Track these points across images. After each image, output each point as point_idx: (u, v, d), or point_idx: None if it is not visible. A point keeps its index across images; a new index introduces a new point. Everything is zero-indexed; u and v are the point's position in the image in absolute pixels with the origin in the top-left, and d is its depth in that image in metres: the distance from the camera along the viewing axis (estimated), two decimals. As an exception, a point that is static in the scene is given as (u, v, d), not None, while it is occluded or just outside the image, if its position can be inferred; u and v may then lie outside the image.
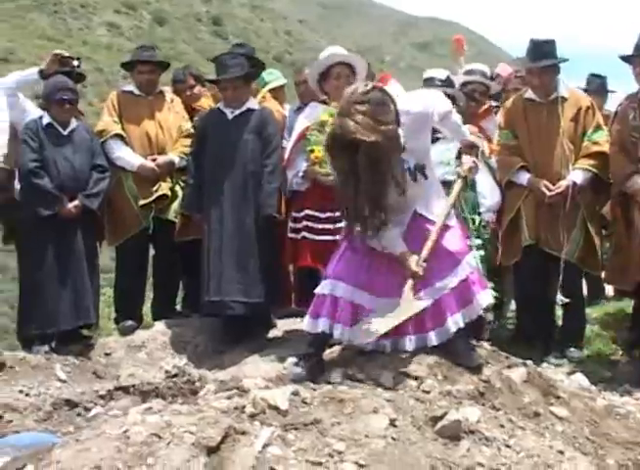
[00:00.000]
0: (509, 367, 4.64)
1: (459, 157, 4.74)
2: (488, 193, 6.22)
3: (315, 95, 6.43)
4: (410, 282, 4.37)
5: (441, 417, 3.81)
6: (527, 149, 6.20)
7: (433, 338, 4.46)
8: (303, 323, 4.66)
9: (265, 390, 3.87)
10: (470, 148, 4.74)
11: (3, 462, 3.62)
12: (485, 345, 5.07)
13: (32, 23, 57.66)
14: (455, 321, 4.46)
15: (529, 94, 6.27)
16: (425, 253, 4.37)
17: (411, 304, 4.36)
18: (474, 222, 5.89)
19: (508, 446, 3.87)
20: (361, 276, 4.45)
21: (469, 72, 6.93)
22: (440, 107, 4.54)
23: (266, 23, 73.57)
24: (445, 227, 4.50)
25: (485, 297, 4.57)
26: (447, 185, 4.92)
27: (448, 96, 6.15)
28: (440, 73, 6.27)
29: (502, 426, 4.01)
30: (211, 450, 3.29)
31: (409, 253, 4.38)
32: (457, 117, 4.75)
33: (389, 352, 4.47)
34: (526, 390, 4.43)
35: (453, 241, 4.50)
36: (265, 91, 7.08)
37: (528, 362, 4.86)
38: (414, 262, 4.34)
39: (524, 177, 6.16)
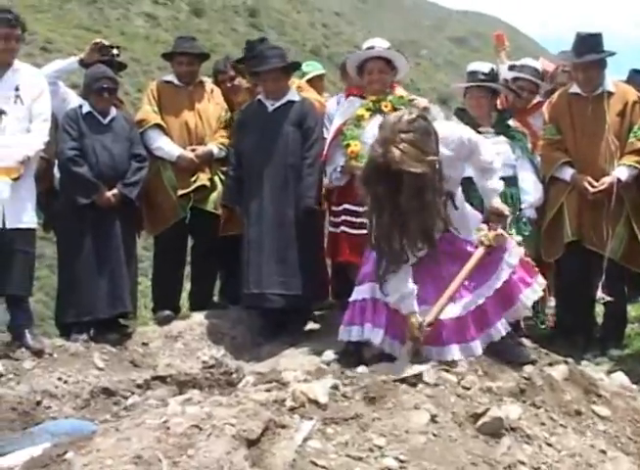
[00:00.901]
0: (550, 364, 4.59)
1: (486, 222, 4.61)
2: (531, 189, 6.15)
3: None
4: (409, 344, 4.31)
5: (483, 414, 3.78)
6: (572, 144, 6.13)
7: (478, 346, 4.40)
8: (339, 333, 4.64)
9: (305, 383, 3.85)
10: (498, 216, 4.60)
11: (43, 449, 3.63)
12: (526, 341, 5.03)
13: (71, 13, 57.98)
14: (500, 327, 4.44)
15: (575, 88, 6.18)
16: (431, 317, 4.29)
17: (407, 366, 4.21)
18: (516, 219, 5.83)
19: (549, 445, 3.83)
20: (428, 295, 4.40)
21: (520, 68, 6.85)
22: (479, 154, 4.48)
23: (302, 15, 73.42)
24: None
25: (531, 295, 4.52)
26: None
27: (491, 90, 6.16)
28: (484, 67, 6.19)
29: (543, 424, 3.98)
30: (252, 443, 3.27)
31: (415, 315, 4.30)
32: (494, 183, 4.66)
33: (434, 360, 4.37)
34: (568, 388, 4.37)
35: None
36: (301, 81, 7.04)
37: (570, 360, 4.80)
38: (417, 327, 4.26)
39: (567, 173, 6.09)
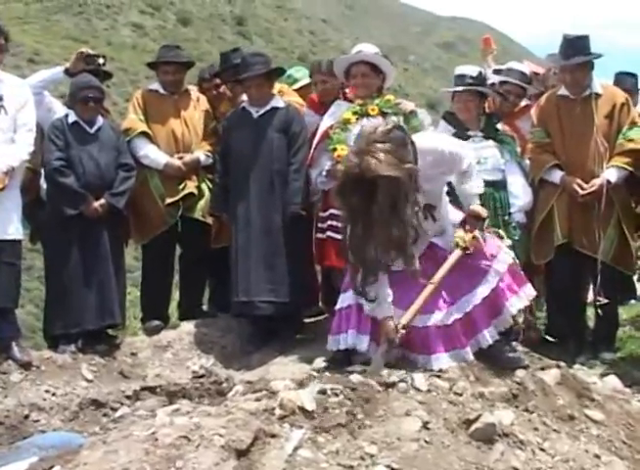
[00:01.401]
0: (542, 369, 4.58)
1: (462, 225, 4.57)
2: (520, 193, 6.14)
3: (337, 94, 6.45)
4: (384, 347, 4.27)
5: (475, 420, 3.75)
6: (561, 147, 6.12)
7: (469, 352, 4.40)
8: (328, 343, 4.61)
9: (292, 391, 3.80)
10: (475, 218, 4.55)
11: (30, 463, 3.58)
12: (517, 346, 5.00)
13: (58, 24, 58.01)
14: (487, 335, 4.42)
15: (562, 91, 6.18)
16: (406, 318, 4.27)
17: (380, 368, 4.22)
18: (504, 223, 5.81)
19: (542, 450, 3.81)
20: (403, 300, 4.37)
21: (507, 72, 6.84)
22: (460, 165, 4.45)
23: (290, 22, 73.58)
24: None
25: (517, 302, 4.50)
26: None
27: (480, 94, 6.14)
28: (472, 70, 6.17)
29: (536, 429, 3.95)
30: (241, 453, 3.24)
31: (390, 318, 4.28)
32: (473, 187, 4.61)
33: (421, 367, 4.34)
34: (560, 392, 4.36)
35: (477, 254, 4.43)
36: (282, 85, 7.01)
37: (562, 364, 4.77)
38: (392, 329, 4.24)
39: (556, 175, 6.07)
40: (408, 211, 3.99)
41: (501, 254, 4.52)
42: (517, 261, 4.64)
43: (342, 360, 4.52)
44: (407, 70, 70.78)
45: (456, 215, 4.61)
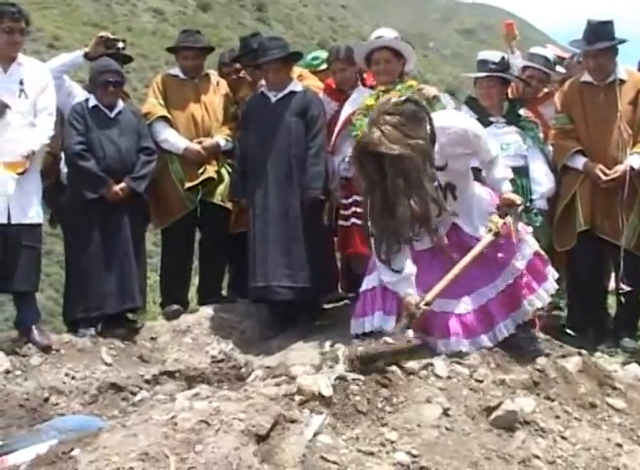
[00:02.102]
0: (563, 356, 4.53)
1: (498, 211, 4.52)
2: (542, 179, 6.08)
3: (354, 81, 6.46)
4: (404, 322, 4.20)
5: (496, 407, 3.71)
6: (584, 133, 6.05)
7: (485, 340, 4.36)
8: (351, 327, 4.56)
9: (310, 376, 3.77)
10: (509, 205, 4.48)
11: (49, 445, 3.58)
12: (539, 333, 4.96)
13: (77, 10, 58.10)
14: (504, 328, 4.39)
15: (586, 77, 6.11)
16: (431, 295, 4.21)
17: (402, 343, 4.13)
18: (526, 210, 5.75)
19: (564, 438, 3.76)
20: (423, 285, 4.30)
21: (530, 56, 6.77)
22: (483, 149, 4.40)
23: (309, 8, 73.41)
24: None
25: (535, 301, 4.44)
26: None
27: (502, 79, 6.08)
28: (494, 56, 6.11)
29: (558, 417, 3.91)
30: (261, 438, 3.21)
31: (411, 294, 4.22)
32: (501, 172, 4.56)
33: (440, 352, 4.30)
34: (582, 380, 4.31)
35: (498, 246, 4.37)
36: (302, 70, 6.98)
37: (583, 352, 4.73)
38: (413, 304, 4.18)
39: (579, 161, 6.01)
40: (426, 185, 3.93)
41: (524, 247, 4.46)
42: (541, 253, 4.57)
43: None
44: (427, 56, 70.49)
45: (488, 201, 4.56)
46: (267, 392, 3.66)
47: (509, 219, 4.40)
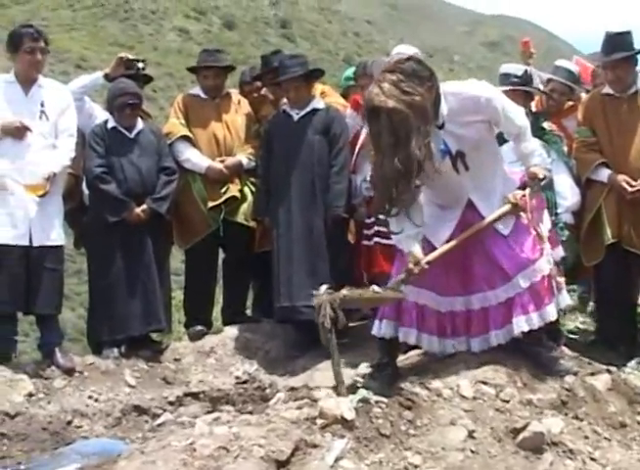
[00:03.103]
0: (592, 374, 4.44)
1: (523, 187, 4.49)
2: (567, 193, 5.99)
3: None
4: (401, 276, 4.30)
5: (523, 429, 3.64)
6: (607, 145, 5.96)
7: (475, 343, 4.45)
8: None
9: (332, 399, 3.71)
10: (532, 179, 4.48)
11: (70, 471, 3.55)
12: (566, 350, 4.87)
13: (104, 30, 58.74)
14: (495, 336, 4.39)
15: (607, 89, 6.03)
16: (432, 256, 4.29)
17: (391, 292, 4.31)
18: (552, 224, 5.66)
19: (593, 460, 3.68)
20: (425, 276, 4.34)
21: (554, 69, 6.70)
22: (499, 116, 4.34)
23: (334, 24, 73.67)
24: (501, 237, 4.35)
25: (523, 324, 4.34)
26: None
27: (525, 93, 6.00)
28: (517, 69, 6.04)
29: (587, 437, 3.83)
30: (281, 464, 3.17)
31: (413, 252, 4.30)
32: (529, 146, 4.54)
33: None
34: (611, 398, 4.23)
35: (507, 254, 4.35)
36: (324, 86, 6.94)
37: (613, 369, 4.63)
38: (414, 261, 4.26)
39: (603, 174, 5.92)
40: (413, 144, 3.95)
41: (538, 263, 4.38)
42: (551, 277, 4.47)
43: (390, 347, 4.54)
44: (452, 70, 70.38)
45: (516, 184, 4.53)
46: (289, 415, 3.62)
47: (527, 192, 4.36)
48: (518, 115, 4.47)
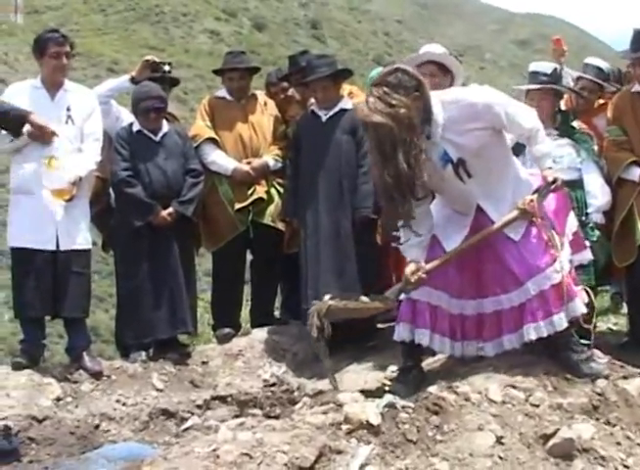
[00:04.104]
0: (625, 378, 4.33)
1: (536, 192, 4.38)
2: (598, 192, 5.88)
3: None
4: (399, 285, 4.34)
5: (553, 435, 3.56)
6: (638, 144, 5.84)
7: (489, 347, 4.42)
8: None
9: (358, 403, 3.66)
10: (547, 183, 4.35)
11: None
12: (598, 352, 4.76)
13: (135, 34, 59.13)
14: (509, 340, 4.34)
15: (637, 87, 5.91)
16: (432, 265, 4.27)
17: (379, 302, 4.37)
18: (582, 224, 5.55)
19: (626, 467, 3.60)
20: (438, 277, 4.33)
21: (585, 67, 6.60)
22: (502, 120, 4.25)
23: (364, 24, 73.61)
24: (512, 243, 4.29)
25: (531, 332, 4.27)
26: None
27: (554, 91, 5.91)
28: (546, 67, 5.92)
29: (619, 444, 3.73)
30: (305, 471, 3.11)
31: (415, 262, 4.32)
32: (542, 147, 4.42)
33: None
34: (644, 403, 4.11)
35: (518, 260, 4.28)
36: (352, 87, 6.88)
37: (646, 372, 4.52)
38: (412, 270, 4.26)
39: (635, 173, 5.80)
40: (399, 156, 3.94)
41: (548, 271, 4.28)
42: (566, 280, 4.33)
43: (413, 350, 4.51)
44: (483, 68, 70.04)
45: (531, 187, 4.43)
46: (314, 420, 3.58)
47: (535, 197, 4.27)
48: (526, 118, 4.36)
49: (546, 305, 4.26)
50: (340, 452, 3.28)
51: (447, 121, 4.13)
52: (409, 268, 4.27)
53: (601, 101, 6.59)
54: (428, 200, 4.39)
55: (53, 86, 5.93)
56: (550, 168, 4.37)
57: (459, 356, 4.46)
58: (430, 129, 4.12)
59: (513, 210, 4.30)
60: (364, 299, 4.25)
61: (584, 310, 4.32)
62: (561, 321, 4.26)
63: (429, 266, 4.25)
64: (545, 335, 4.26)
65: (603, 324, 6.56)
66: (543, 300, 4.26)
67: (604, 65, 6.67)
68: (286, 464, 3.09)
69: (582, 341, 4.52)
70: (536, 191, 4.36)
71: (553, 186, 4.31)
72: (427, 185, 4.22)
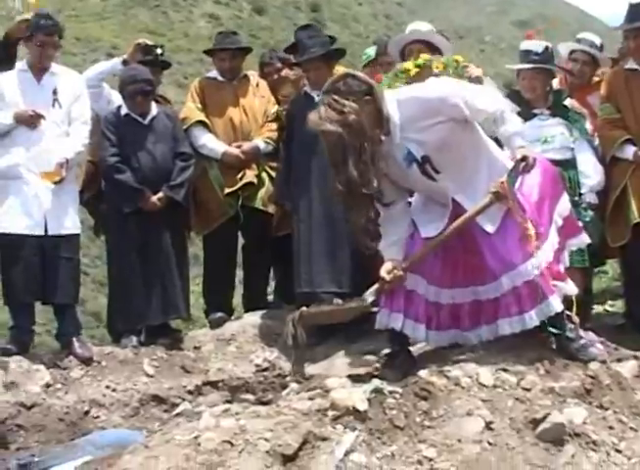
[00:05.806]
0: (618, 360, 4.27)
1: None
2: (591, 172, 5.79)
3: None
4: (376, 285, 4.23)
5: (543, 419, 3.49)
6: (632, 122, 5.77)
7: (470, 336, 4.32)
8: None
9: (344, 389, 3.60)
10: (517, 161, 4.17)
11: (74, 467, 3.48)
12: (591, 335, 4.70)
13: (134, 18, 58.86)
14: (488, 330, 4.26)
15: (631, 64, 5.85)
16: (407, 262, 4.19)
17: (354, 304, 4.30)
18: (575, 204, 5.46)
19: (618, 451, 3.52)
20: (426, 266, 4.24)
21: (577, 41, 6.48)
22: (461, 110, 4.11)
23: (364, 7, 73.25)
24: (488, 235, 4.17)
25: (507, 326, 4.15)
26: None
27: (546, 71, 5.81)
28: (537, 46, 5.81)
29: (611, 428, 3.66)
30: (288, 459, 3.06)
31: (392, 261, 4.22)
32: (510, 126, 4.24)
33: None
34: (638, 386, 4.04)
35: (494, 253, 4.16)
36: (344, 68, 6.78)
37: (640, 354, 4.46)
38: (388, 269, 4.17)
39: (629, 151, 5.73)
40: (350, 163, 3.90)
41: (523, 266, 4.11)
42: (535, 283, 4.16)
43: (399, 337, 4.39)
44: (484, 50, 69.72)
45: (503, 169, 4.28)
46: (300, 406, 3.51)
47: (505, 178, 4.12)
48: (487, 102, 4.20)
49: (519, 302, 4.14)
50: (325, 439, 3.21)
51: (405, 121, 4.05)
52: (385, 267, 4.18)
53: (596, 78, 6.47)
54: (399, 202, 4.30)
55: (39, 70, 5.87)
56: (523, 147, 4.20)
57: (434, 346, 4.37)
58: (387, 131, 4.05)
59: (487, 194, 4.15)
60: (339, 301, 4.18)
61: (559, 309, 4.17)
62: (532, 321, 4.11)
63: (404, 264, 4.17)
64: (518, 331, 4.15)
65: (599, 306, 6.50)
66: (516, 296, 4.13)
67: (597, 39, 6.55)
68: (268, 451, 3.02)
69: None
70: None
71: (523, 164, 4.17)
72: (394, 188, 4.21)
